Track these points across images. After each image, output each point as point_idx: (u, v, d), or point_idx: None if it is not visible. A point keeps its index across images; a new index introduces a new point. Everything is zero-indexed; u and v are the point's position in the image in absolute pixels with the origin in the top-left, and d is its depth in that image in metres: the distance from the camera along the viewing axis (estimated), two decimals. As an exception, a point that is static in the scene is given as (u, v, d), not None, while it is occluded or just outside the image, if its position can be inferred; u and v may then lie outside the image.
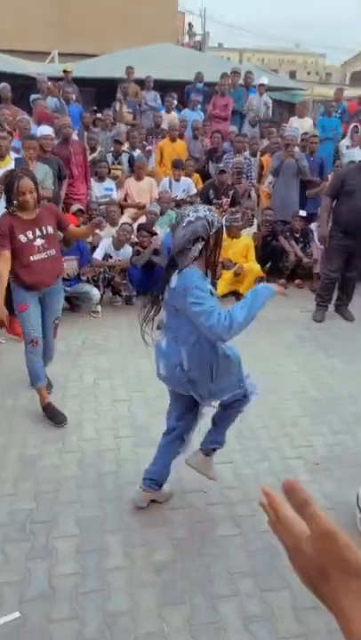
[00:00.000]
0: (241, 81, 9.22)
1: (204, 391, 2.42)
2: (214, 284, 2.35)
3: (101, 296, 5.33)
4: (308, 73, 35.04)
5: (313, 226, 6.35)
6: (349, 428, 3.55)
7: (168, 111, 8.62)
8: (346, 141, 7.75)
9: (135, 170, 6.69)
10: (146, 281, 5.71)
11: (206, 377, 2.37)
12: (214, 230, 2.22)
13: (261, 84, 8.94)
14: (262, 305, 2.20)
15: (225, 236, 5.81)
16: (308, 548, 0.56)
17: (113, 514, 2.71)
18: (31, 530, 2.58)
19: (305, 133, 7.46)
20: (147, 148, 7.37)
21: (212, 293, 2.22)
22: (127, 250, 5.60)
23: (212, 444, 2.72)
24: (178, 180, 6.77)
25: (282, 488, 0.59)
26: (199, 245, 2.21)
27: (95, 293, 5.16)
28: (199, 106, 8.86)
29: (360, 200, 4.91)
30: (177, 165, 6.76)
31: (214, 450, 2.74)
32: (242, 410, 2.63)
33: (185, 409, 2.60)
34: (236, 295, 5.84)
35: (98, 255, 5.44)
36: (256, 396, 2.60)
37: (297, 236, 6.41)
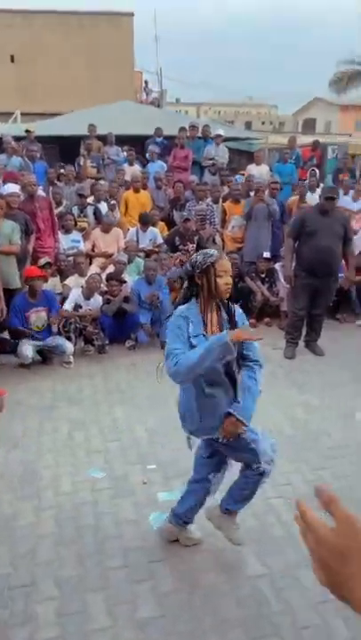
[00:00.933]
0: (199, 133, 9.68)
1: (192, 427, 2.44)
2: (230, 316, 2.37)
3: (74, 346, 5.32)
4: (263, 123, 36.93)
5: (278, 266, 6.56)
6: (327, 464, 3.56)
7: (131, 164, 8.94)
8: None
9: (101, 222, 6.86)
10: (118, 329, 5.75)
11: (192, 413, 2.40)
12: (199, 270, 2.26)
13: (218, 135, 9.41)
14: (213, 352, 2.12)
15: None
16: (331, 535, 0.64)
17: (94, 571, 2.61)
18: (9, 596, 2.46)
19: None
20: (111, 202, 7.58)
21: (203, 336, 2.27)
22: (97, 299, 5.64)
23: (227, 504, 2.60)
24: (144, 231, 6.95)
25: (314, 492, 0.69)
26: (185, 285, 2.38)
27: (68, 347, 5.15)
28: (157, 157, 9.22)
29: (321, 240, 5.13)
30: (144, 221, 6.97)
31: (228, 511, 2.61)
32: (260, 481, 2.47)
33: (213, 465, 2.59)
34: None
35: (68, 306, 5.46)
36: (269, 465, 2.44)
37: (263, 276, 6.60)
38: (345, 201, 8.12)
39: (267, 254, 6.67)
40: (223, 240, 7.42)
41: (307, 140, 12.53)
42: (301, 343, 5.69)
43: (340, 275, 5.61)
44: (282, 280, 6.31)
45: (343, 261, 5.57)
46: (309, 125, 27.79)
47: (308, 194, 7.86)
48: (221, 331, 2.28)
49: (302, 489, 3.28)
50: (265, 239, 6.81)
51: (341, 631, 2.27)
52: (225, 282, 2.26)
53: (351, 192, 8.37)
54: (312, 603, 2.41)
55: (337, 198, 5.42)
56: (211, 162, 9.11)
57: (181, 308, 2.31)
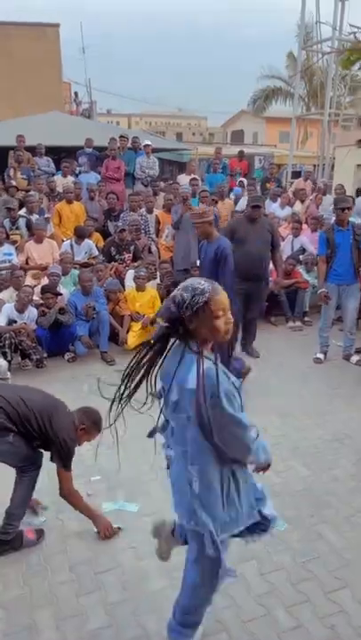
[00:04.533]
0: (130, 144, 9.76)
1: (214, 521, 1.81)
2: (226, 359, 1.96)
3: (9, 362, 5.18)
4: (193, 134, 37.70)
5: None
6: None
7: (65, 175, 8.87)
8: None
9: (35, 233, 6.75)
10: (55, 342, 5.67)
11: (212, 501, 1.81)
12: (189, 311, 1.66)
13: (147, 145, 9.55)
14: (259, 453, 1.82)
15: (132, 289, 6.05)
16: None
17: (40, 588, 2.57)
18: None
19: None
20: (45, 216, 7.48)
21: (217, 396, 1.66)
22: (32, 312, 5.54)
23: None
24: (79, 244, 6.92)
25: None
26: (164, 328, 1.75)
27: (2, 364, 5.03)
28: (88, 169, 9.20)
29: (251, 247, 5.33)
30: (80, 234, 6.91)
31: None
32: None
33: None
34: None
35: (1, 321, 5.32)
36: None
37: (198, 283, 6.74)
38: (273, 208, 8.50)
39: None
40: (158, 249, 7.52)
41: (236, 150, 12.96)
42: (238, 346, 5.86)
43: (269, 279, 5.86)
44: (217, 286, 6.48)
45: (272, 266, 5.83)
46: (238, 137, 28.70)
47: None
48: None
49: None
50: (194, 247, 6.97)
51: (284, 620, 2.38)
52: (225, 321, 1.71)
53: (278, 200, 8.77)
54: (255, 595, 2.51)
55: (263, 206, 5.67)
56: (144, 174, 9.22)
57: (210, 365, 1.68)
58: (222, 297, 1.69)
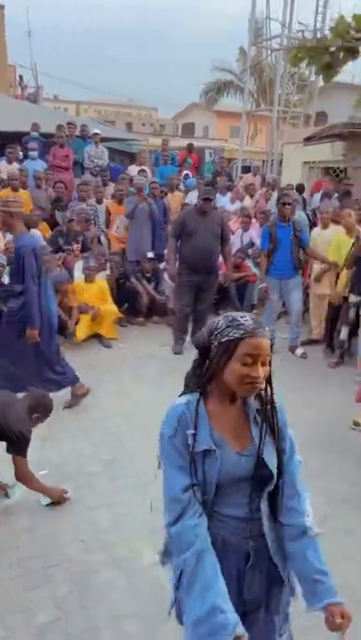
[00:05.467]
0: (78, 132, 9.56)
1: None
2: (269, 424, 1.49)
3: None
4: (143, 125, 37.35)
5: (163, 265, 6.74)
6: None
7: (10, 162, 8.55)
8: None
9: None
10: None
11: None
12: (216, 341, 1.42)
13: (95, 134, 9.39)
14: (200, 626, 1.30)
15: (81, 280, 5.95)
16: None
17: (-15, 586, 2.51)
18: None
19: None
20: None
21: (210, 447, 1.40)
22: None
23: None
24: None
25: None
26: (199, 359, 1.52)
27: None
28: (36, 154, 8.92)
29: (200, 239, 5.38)
30: (26, 224, 6.67)
31: None
32: None
33: None
34: (99, 337, 5.92)
35: None
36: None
37: (148, 275, 6.73)
38: (223, 202, 8.59)
39: (150, 254, 6.82)
40: (109, 240, 7.43)
41: (186, 143, 12.96)
42: (188, 338, 5.91)
43: (219, 272, 5.93)
44: (167, 279, 6.50)
45: (222, 259, 5.90)
46: (189, 129, 28.70)
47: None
48: (243, 445, 1.44)
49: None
50: (147, 239, 6.96)
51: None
52: (247, 373, 1.37)
53: (228, 194, 8.87)
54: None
55: (213, 199, 5.72)
56: (93, 164, 9.06)
57: (182, 401, 1.48)
58: (259, 341, 1.37)
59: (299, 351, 5.72)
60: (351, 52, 8.70)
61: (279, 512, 1.48)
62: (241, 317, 1.41)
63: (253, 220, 7.75)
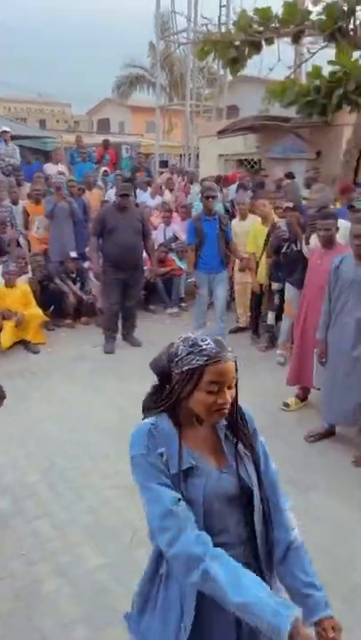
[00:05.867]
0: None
1: None
2: (238, 436, 1.41)
3: None
4: (57, 121, 36.39)
5: (87, 264, 6.63)
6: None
7: None
8: None
9: None
10: None
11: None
12: (177, 369, 1.32)
13: (5, 131, 9.04)
14: (259, 619, 1.14)
15: (1, 286, 5.71)
16: None
17: None
18: None
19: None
20: None
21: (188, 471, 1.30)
22: None
23: None
24: None
25: None
26: (157, 385, 1.44)
27: None
28: None
29: (122, 236, 5.34)
30: None
31: None
32: None
33: None
34: (25, 343, 5.72)
35: None
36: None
37: (73, 275, 6.60)
38: (144, 198, 8.58)
39: (73, 253, 6.68)
40: (28, 242, 7.19)
41: (101, 139, 12.79)
42: (119, 337, 5.87)
43: (144, 268, 5.93)
44: (92, 278, 6.40)
45: (146, 254, 5.90)
46: (104, 125, 28.33)
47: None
48: (222, 463, 1.35)
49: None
50: (69, 238, 6.81)
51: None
52: (213, 401, 1.28)
53: (149, 189, 8.87)
54: (151, 576, 2.56)
55: (131, 195, 5.69)
56: (4, 162, 8.71)
57: (147, 421, 1.38)
58: (226, 368, 1.28)
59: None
60: (255, 46, 8.97)
61: (269, 527, 1.39)
62: (202, 341, 1.29)
63: (175, 215, 7.81)
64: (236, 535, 1.33)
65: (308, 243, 4.50)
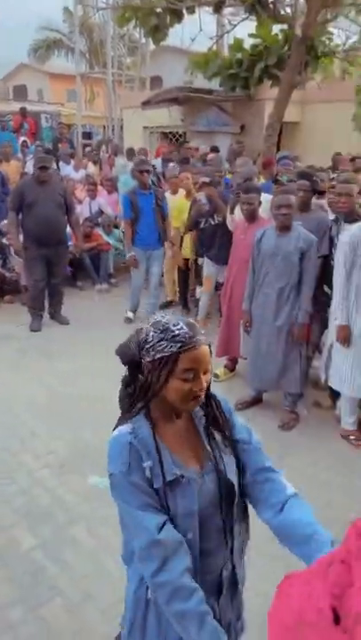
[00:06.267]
0: None
1: None
2: (218, 426, 1.35)
3: None
4: (-30, 87, 33.94)
5: (7, 240, 6.33)
6: (85, 423, 3.74)
7: None
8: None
9: None
10: None
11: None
12: (149, 358, 1.22)
13: None
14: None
15: None
16: None
17: None
18: None
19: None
20: None
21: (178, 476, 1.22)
22: None
23: None
24: None
25: None
26: (128, 377, 1.31)
27: None
28: None
29: (42, 210, 5.13)
30: None
31: None
32: None
33: None
34: None
35: None
36: None
37: (-7, 253, 6.28)
38: (67, 170, 8.29)
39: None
40: None
41: (18, 107, 12.13)
42: (46, 315, 5.70)
43: (69, 243, 5.75)
44: (14, 255, 6.13)
45: (70, 229, 5.72)
46: (21, 92, 26.75)
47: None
48: (202, 462, 1.28)
49: (65, 453, 3.39)
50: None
51: (114, 571, 2.49)
52: (189, 388, 1.22)
53: (72, 162, 8.57)
54: (87, 553, 2.58)
55: (51, 167, 5.46)
56: None
57: (125, 429, 1.25)
58: (201, 354, 1.21)
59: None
60: (177, 15, 8.82)
61: (258, 510, 1.33)
62: (174, 326, 1.20)
63: (100, 188, 7.62)
64: (217, 544, 1.27)
65: (232, 212, 4.56)
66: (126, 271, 6.83)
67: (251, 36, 9.16)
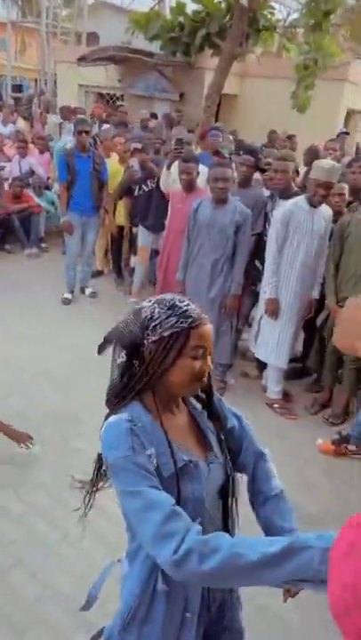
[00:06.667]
0: None
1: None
2: (217, 418, 1.32)
3: None
4: None
5: None
6: (26, 392, 3.64)
7: None
8: None
9: None
10: None
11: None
12: (156, 336, 1.14)
13: None
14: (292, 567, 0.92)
15: None
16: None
17: None
18: None
19: None
20: None
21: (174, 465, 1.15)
22: None
23: None
24: None
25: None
26: (125, 362, 1.19)
27: None
28: None
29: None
30: None
31: None
32: None
33: None
34: None
35: None
36: None
37: None
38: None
39: None
40: None
41: None
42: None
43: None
44: None
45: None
46: None
47: None
48: (205, 454, 1.24)
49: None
50: None
51: (44, 535, 2.52)
52: (200, 367, 1.17)
53: (0, 114, 8.07)
54: (15, 518, 2.56)
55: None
56: None
57: (122, 416, 1.14)
58: (208, 331, 1.17)
59: (88, 290, 5.58)
60: (118, -31, 8.35)
61: (252, 498, 1.34)
62: (180, 302, 1.16)
63: (32, 146, 7.24)
64: (218, 524, 1.26)
65: (168, 169, 4.53)
66: (58, 236, 6.61)
67: (193, 0, 8.97)
